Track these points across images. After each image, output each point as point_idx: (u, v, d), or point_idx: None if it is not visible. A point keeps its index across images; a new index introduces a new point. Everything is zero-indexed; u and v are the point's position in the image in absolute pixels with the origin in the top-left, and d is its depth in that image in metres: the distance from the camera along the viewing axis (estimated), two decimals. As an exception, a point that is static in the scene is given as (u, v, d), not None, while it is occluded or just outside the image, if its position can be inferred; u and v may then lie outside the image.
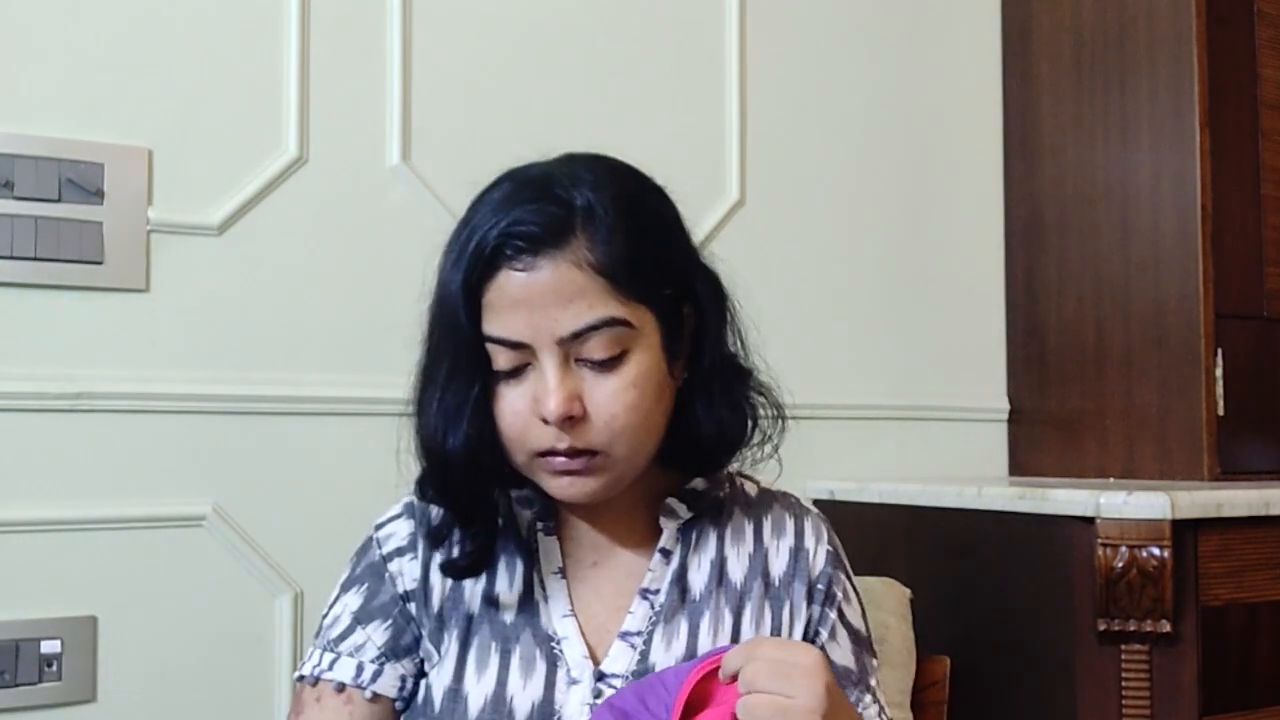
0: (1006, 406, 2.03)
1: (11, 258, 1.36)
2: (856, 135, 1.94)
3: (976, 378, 2.02)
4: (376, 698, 0.93)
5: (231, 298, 1.48)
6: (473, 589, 0.94)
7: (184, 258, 1.46)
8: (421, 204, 1.58)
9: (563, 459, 0.87)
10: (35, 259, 1.37)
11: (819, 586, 0.99)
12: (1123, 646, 1.35)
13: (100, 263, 1.40)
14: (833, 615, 0.98)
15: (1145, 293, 1.77)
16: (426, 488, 0.95)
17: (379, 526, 0.99)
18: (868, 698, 0.98)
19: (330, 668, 0.93)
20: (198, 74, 1.47)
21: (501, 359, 0.88)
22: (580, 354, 0.87)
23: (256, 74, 1.51)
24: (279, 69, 1.52)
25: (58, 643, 1.35)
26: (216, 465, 1.46)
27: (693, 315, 0.95)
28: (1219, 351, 1.69)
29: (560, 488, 0.90)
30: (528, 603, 0.94)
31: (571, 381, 0.87)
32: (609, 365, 0.88)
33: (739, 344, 0.98)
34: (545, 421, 0.86)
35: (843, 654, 0.98)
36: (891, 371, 1.95)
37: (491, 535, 0.94)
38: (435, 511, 0.97)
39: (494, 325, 0.88)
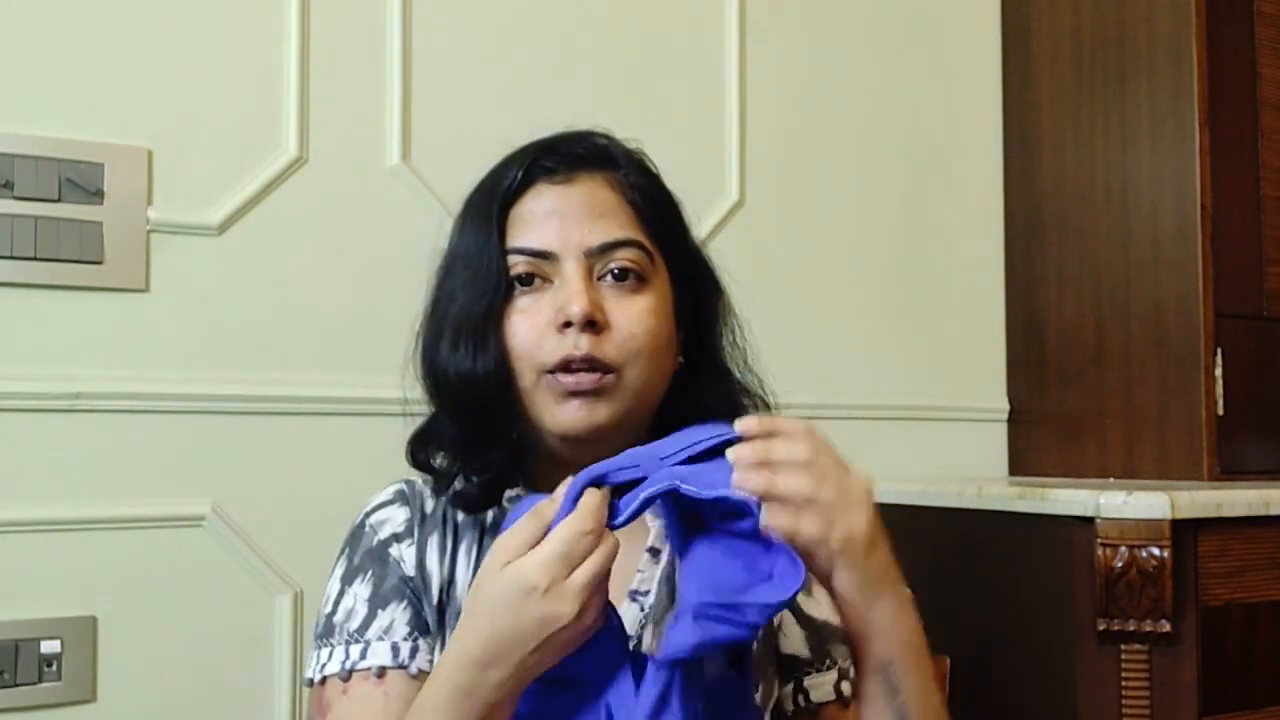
0: (1006, 406, 2.03)
1: (11, 258, 1.36)
2: (856, 135, 1.94)
3: (976, 378, 2.02)
4: (420, 675, 0.89)
5: (231, 298, 1.48)
6: (464, 584, 0.93)
7: (184, 258, 1.45)
8: (421, 204, 1.57)
9: (575, 378, 0.88)
10: (35, 259, 1.37)
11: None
12: (1122, 646, 1.35)
13: (100, 263, 1.40)
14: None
15: (1145, 293, 1.77)
16: (430, 443, 0.96)
17: (370, 513, 0.97)
18: (824, 664, 0.97)
19: (363, 657, 0.89)
20: (198, 74, 1.47)
21: (521, 272, 0.90)
22: (603, 274, 0.90)
23: (256, 74, 1.51)
24: (279, 69, 1.52)
25: (58, 643, 1.35)
26: (216, 465, 1.45)
27: (692, 307, 0.96)
28: (1219, 351, 1.69)
29: (566, 413, 0.89)
30: None
31: (595, 292, 0.89)
32: (631, 288, 0.91)
33: (735, 345, 1.00)
34: (566, 326, 0.87)
35: (821, 609, 0.98)
36: (891, 371, 1.95)
37: (506, 464, 0.93)
38: (428, 496, 0.97)
39: (520, 238, 0.91)
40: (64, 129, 1.40)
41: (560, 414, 0.89)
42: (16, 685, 1.33)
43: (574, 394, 0.88)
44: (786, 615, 0.98)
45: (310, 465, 1.50)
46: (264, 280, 1.50)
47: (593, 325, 0.87)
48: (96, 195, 1.40)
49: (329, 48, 1.55)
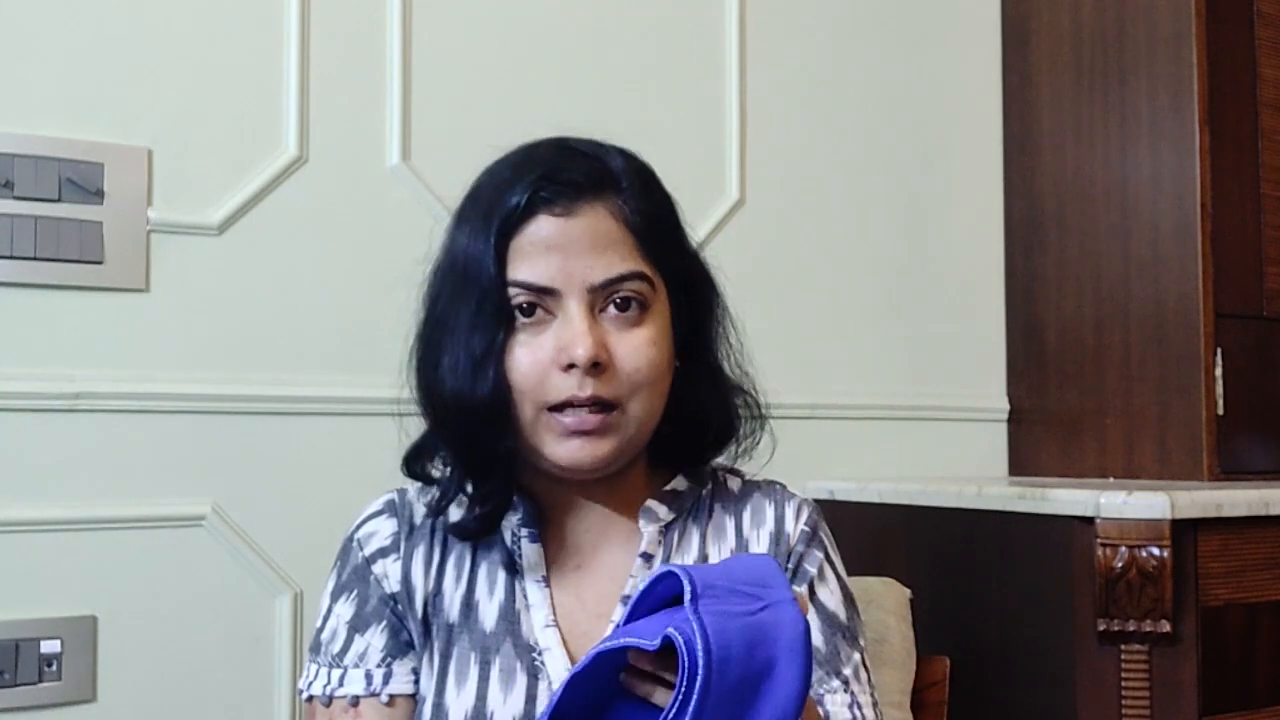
0: (1006, 406, 2.03)
1: (11, 258, 1.36)
2: (856, 135, 1.94)
3: (976, 378, 2.02)
4: (393, 700, 0.92)
5: (231, 298, 1.48)
6: (453, 595, 0.93)
7: (184, 258, 1.46)
8: (421, 204, 1.58)
9: (577, 418, 0.87)
10: (35, 259, 1.37)
11: (789, 565, 0.97)
12: (1122, 646, 1.35)
13: (100, 263, 1.40)
14: (800, 590, 0.95)
15: (1145, 292, 1.77)
16: (425, 457, 0.95)
17: (359, 525, 0.97)
18: (835, 682, 0.94)
19: (340, 684, 0.92)
20: (198, 74, 1.47)
21: (523, 302, 0.88)
22: (605, 306, 0.89)
23: (256, 74, 1.51)
24: (279, 69, 1.52)
25: (58, 643, 1.36)
26: (216, 465, 1.45)
27: (688, 309, 0.96)
28: (1219, 351, 1.69)
29: (569, 451, 0.88)
30: (509, 611, 0.93)
31: (598, 330, 0.88)
32: (633, 319, 0.90)
33: (729, 344, 1.00)
34: (569, 368, 0.86)
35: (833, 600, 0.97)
36: (891, 371, 1.95)
37: (504, 495, 0.92)
38: (419, 508, 0.97)
39: (521, 271, 0.88)
40: (64, 129, 1.40)
41: (562, 451, 0.88)
42: (16, 685, 1.33)
43: (576, 433, 0.87)
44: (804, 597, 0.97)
45: (310, 465, 1.50)
46: (264, 280, 1.50)
47: (596, 366, 0.87)
48: (96, 195, 1.40)
49: (329, 48, 1.55)
